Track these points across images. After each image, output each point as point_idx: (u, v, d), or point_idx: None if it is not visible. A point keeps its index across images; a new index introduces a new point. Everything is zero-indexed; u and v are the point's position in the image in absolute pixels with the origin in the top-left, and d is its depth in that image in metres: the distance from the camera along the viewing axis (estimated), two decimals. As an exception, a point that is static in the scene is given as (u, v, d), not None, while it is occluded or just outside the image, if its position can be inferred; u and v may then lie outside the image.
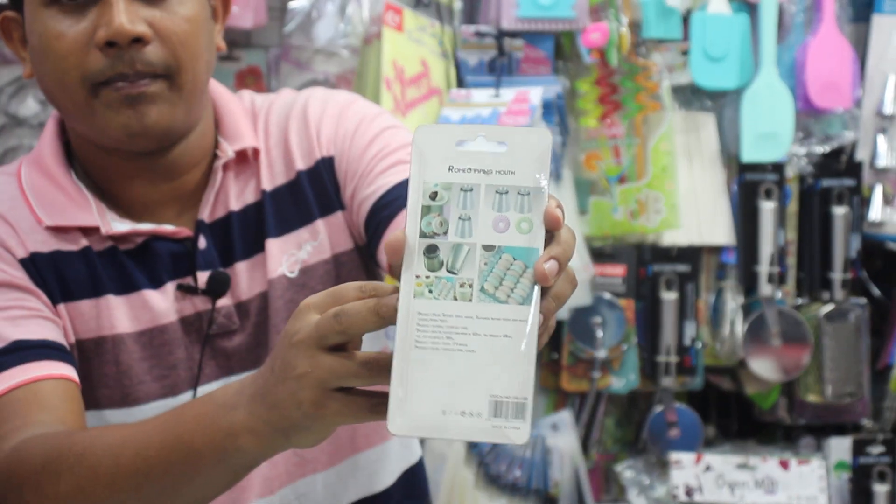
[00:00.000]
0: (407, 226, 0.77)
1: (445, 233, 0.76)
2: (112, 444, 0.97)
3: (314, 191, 1.18)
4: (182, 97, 1.11)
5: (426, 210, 0.76)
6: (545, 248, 0.76)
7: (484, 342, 0.76)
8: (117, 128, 1.09)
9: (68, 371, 1.09)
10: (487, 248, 0.76)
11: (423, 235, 0.76)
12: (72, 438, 1.01)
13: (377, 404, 0.79)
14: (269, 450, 0.87)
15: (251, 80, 1.88)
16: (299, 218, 1.17)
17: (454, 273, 0.76)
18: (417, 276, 0.76)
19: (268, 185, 1.18)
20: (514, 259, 0.76)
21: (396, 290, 0.77)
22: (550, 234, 0.77)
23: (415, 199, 0.76)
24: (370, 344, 0.89)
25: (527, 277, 0.75)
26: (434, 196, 0.76)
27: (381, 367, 0.78)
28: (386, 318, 0.77)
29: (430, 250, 0.77)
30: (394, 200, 1.12)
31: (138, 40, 1.06)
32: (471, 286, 0.76)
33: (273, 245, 1.17)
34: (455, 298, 0.76)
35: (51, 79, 1.11)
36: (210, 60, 1.15)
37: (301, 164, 1.17)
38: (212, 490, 0.94)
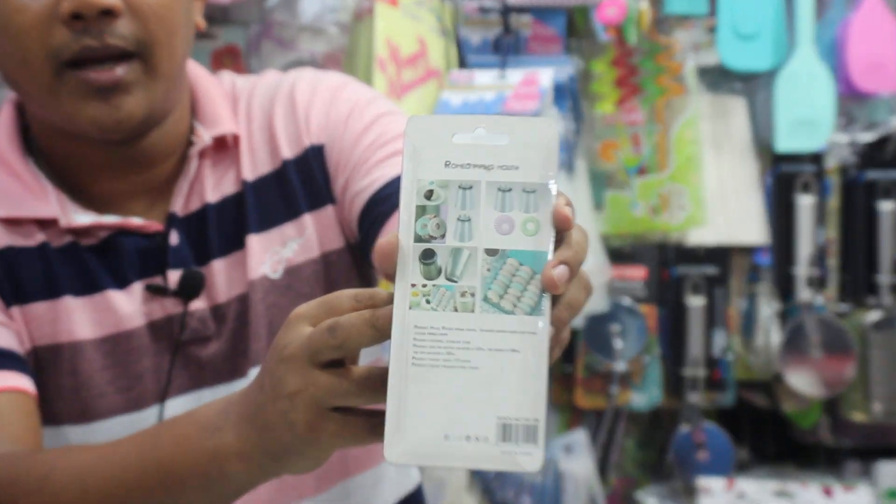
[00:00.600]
0: (400, 228, 0.75)
1: (443, 236, 0.74)
2: (79, 468, 0.95)
3: (301, 182, 1.13)
4: (159, 81, 1.07)
5: (421, 211, 0.74)
6: (554, 251, 0.74)
7: (489, 358, 0.73)
8: (86, 120, 1.05)
9: (24, 382, 1.05)
10: (490, 252, 0.73)
11: (418, 239, 0.74)
12: (32, 460, 0.98)
13: (377, 425, 0.76)
14: (259, 476, 0.85)
15: (229, 59, 1.84)
16: (284, 212, 1.12)
17: (454, 281, 0.73)
18: (413, 285, 0.74)
19: (249, 175, 1.13)
20: (521, 264, 0.73)
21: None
22: (560, 236, 0.74)
23: (408, 199, 0.74)
24: (367, 353, 0.87)
25: (535, 284, 0.73)
26: (429, 195, 0.74)
27: (382, 384, 0.76)
28: (383, 332, 0.75)
29: (427, 256, 0.74)
30: (392, 195, 1.07)
31: (108, 12, 1.02)
32: (473, 295, 0.73)
33: (254, 242, 1.11)
34: (455, 309, 0.73)
35: (10, 57, 1.06)
36: (188, 38, 1.11)
37: (287, 153, 1.12)
38: None
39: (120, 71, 1.03)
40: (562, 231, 0.75)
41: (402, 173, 0.75)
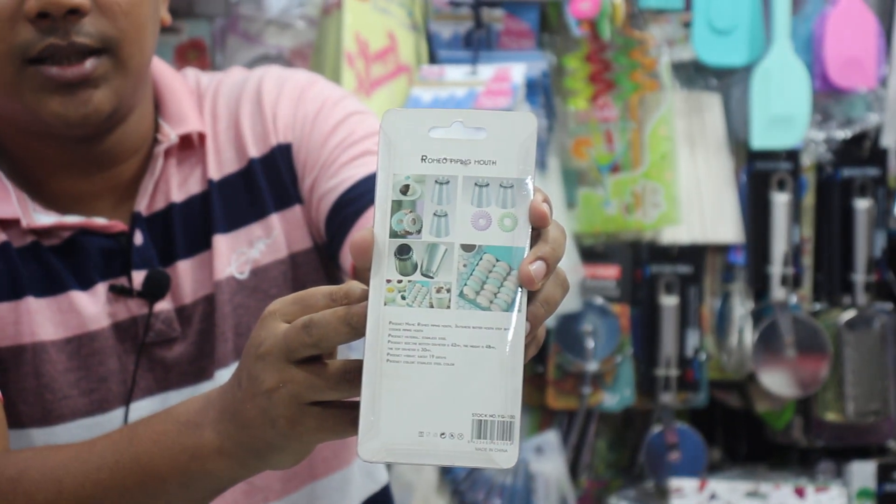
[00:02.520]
0: (375, 223, 0.76)
1: (419, 231, 0.76)
2: (53, 467, 0.95)
3: (268, 181, 1.14)
4: (127, 76, 1.07)
5: (396, 206, 0.76)
6: (531, 247, 0.76)
7: (464, 354, 0.75)
8: (50, 114, 1.05)
9: None
10: (466, 247, 0.75)
11: (393, 234, 0.76)
12: (3, 460, 0.98)
13: (358, 417, 0.78)
14: (242, 472, 0.88)
15: (193, 54, 1.86)
16: (251, 212, 1.14)
17: (430, 277, 0.75)
18: (388, 281, 0.75)
19: (215, 175, 1.15)
20: (497, 260, 0.75)
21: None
22: (537, 232, 0.76)
23: (383, 194, 0.76)
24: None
25: (511, 280, 0.75)
26: (405, 190, 0.76)
27: (358, 377, 0.78)
28: (358, 329, 0.77)
29: (402, 251, 0.76)
30: (361, 195, 1.10)
31: (74, 11, 1.02)
32: (448, 291, 0.75)
33: (221, 242, 1.12)
34: (431, 305, 0.75)
35: None
36: (155, 33, 1.12)
37: (254, 151, 1.13)
38: None
39: (88, 65, 1.04)
40: (539, 227, 0.76)
41: (378, 167, 0.76)
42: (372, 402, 0.74)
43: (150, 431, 0.90)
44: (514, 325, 0.74)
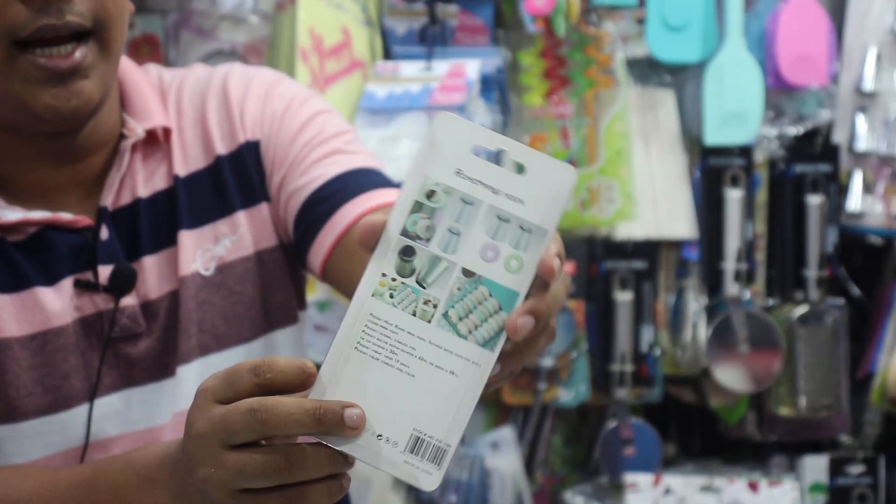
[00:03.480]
0: (392, 215, 0.77)
1: (429, 240, 0.77)
2: (15, 495, 0.99)
3: (235, 178, 1.15)
4: (111, 62, 1.09)
5: (417, 207, 0.77)
6: (529, 296, 0.77)
7: (427, 371, 0.76)
8: (41, 106, 1.05)
9: None
10: (467, 273, 0.77)
11: (404, 233, 0.77)
12: None
13: (293, 498, 0.81)
14: None
15: (147, 49, 1.86)
16: (217, 208, 1.15)
17: (423, 286, 0.77)
18: (384, 275, 0.77)
19: (181, 171, 1.16)
20: (490, 295, 0.76)
21: (309, 380, 0.77)
22: (541, 282, 0.77)
23: (409, 191, 0.77)
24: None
25: (496, 320, 0.76)
26: (430, 195, 0.77)
27: (288, 461, 0.79)
28: (329, 427, 0.77)
29: (406, 252, 0.77)
30: (333, 194, 1.12)
31: None
32: (435, 307, 0.77)
33: (186, 238, 1.13)
34: (414, 314, 0.77)
35: None
36: (127, 20, 1.13)
37: (221, 148, 1.15)
38: None
39: (79, 55, 1.04)
40: (544, 279, 0.77)
41: (414, 163, 0.77)
42: (328, 380, 0.76)
43: (111, 483, 0.92)
44: (484, 362, 0.75)
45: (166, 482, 0.87)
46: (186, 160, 1.17)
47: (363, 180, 1.16)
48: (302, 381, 0.80)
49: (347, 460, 0.82)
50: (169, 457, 0.88)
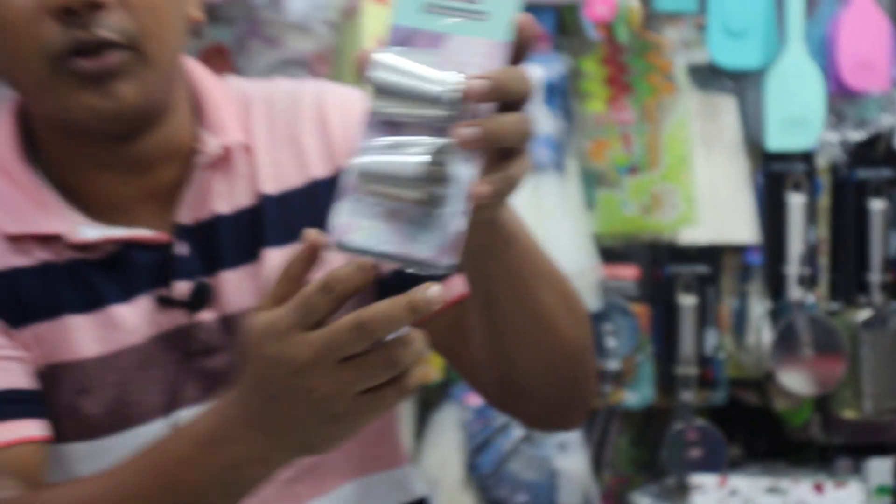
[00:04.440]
0: None
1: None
2: (88, 500, 0.98)
3: (331, 201, 1.06)
4: (152, 69, 1.07)
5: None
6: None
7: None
8: (83, 110, 1.05)
9: (34, 429, 1.08)
10: None
11: None
12: (39, 497, 1.01)
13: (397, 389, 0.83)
14: (277, 468, 0.91)
15: (217, 58, 1.84)
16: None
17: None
18: None
19: (271, 188, 1.15)
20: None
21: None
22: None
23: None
24: None
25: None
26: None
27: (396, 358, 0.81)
28: (423, 311, 0.80)
29: None
30: None
31: (97, 5, 1.03)
32: None
33: (273, 255, 1.13)
34: None
35: (4, 54, 1.08)
36: (181, 30, 1.12)
37: (319, 171, 1.14)
38: None
39: (112, 58, 1.04)
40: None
41: None
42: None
43: (175, 457, 0.92)
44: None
45: (239, 435, 0.88)
46: (277, 178, 1.16)
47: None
48: (367, 279, 0.82)
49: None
50: (230, 410, 0.89)
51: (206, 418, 0.90)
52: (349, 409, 0.82)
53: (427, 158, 0.79)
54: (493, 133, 0.79)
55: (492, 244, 0.96)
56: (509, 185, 0.84)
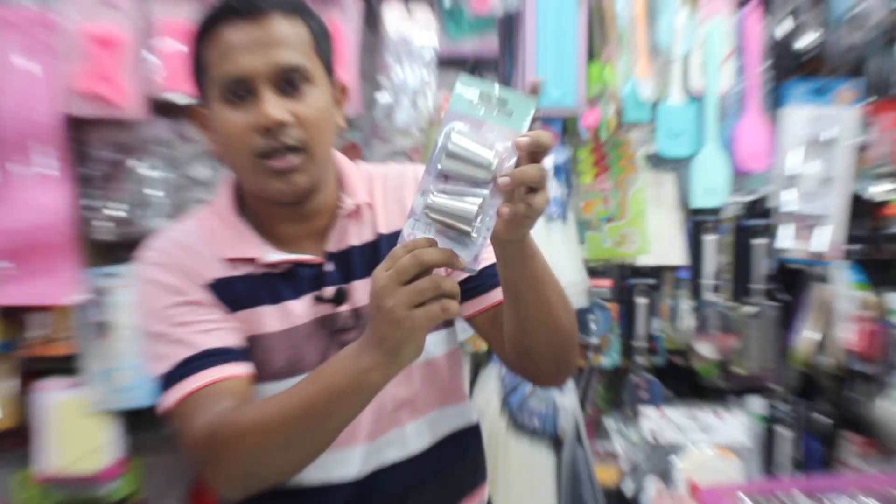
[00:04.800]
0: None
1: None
2: (276, 403, 1.08)
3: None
4: (316, 163, 1.21)
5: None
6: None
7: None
8: (274, 192, 1.21)
9: (244, 369, 1.20)
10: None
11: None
12: (246, 410, 1.13)
13: (442, 308, 0.95)
14: (388, 375, 1.02)
15: (352, 151, 2.08)
16: None
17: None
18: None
19: (384, 229, 1.30)
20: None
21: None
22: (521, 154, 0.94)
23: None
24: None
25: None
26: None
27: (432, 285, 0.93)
28: (453, 263, 0.93)
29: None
30: (489, 276, 1.28)
31: (282, 124, 1.18)
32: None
33: None
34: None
35: (230, 151, 1.21)
36: (333, 135, 1.25)
37: None
38: (349, 416, 1.06)
39: (292, 160, 1.19)
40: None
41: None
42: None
43: (331, 369, 1.04)
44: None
45: (365, 352, 0.99)
46: (388, 223, 1.29)
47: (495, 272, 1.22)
48: (443, 257, 0.96)
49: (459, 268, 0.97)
50: (359, 343, 1.00)
51: (349, 348, 1.03)
52: (409, 318, 0.94)
53: (476, 208, 0.93)
54: (519, 177, 0.93)
55: (521, 259, 1.07)
56: (535, 211, 0.97)
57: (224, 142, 1.21)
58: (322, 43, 1.24)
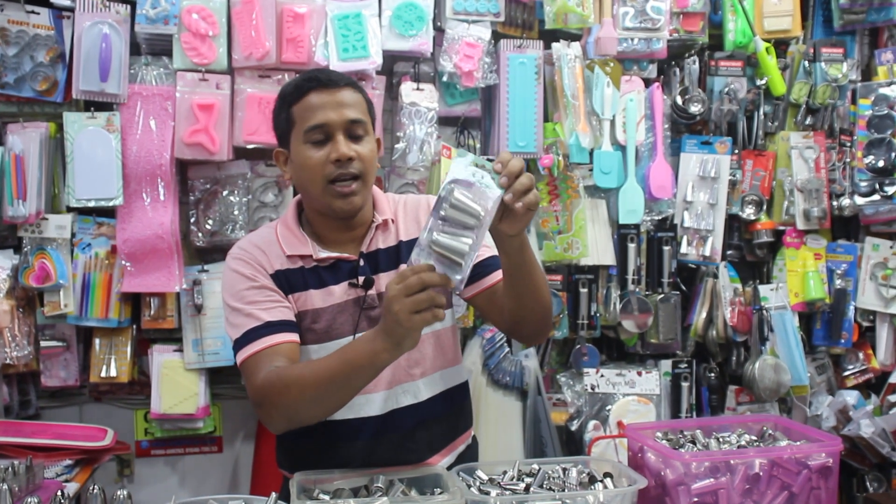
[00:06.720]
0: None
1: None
2: (312, 368, 1.39)
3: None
4: (366, 188, 1.56)
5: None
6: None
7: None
8: (337, 210, 1.55)
9: (294, 337, 1.55)
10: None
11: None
12: (291, 369, 1.45)
13: (433, 315, 1.20)
14: (393, 356, 1.34)
15: (377, 183, 2.16)
16: None
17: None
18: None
19: (404, 238, 1.67)
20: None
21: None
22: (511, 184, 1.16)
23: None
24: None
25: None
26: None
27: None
28: (444, 283, 1.17)
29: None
30: (490, 264, 1.60)
31: (350, 159, 1.52)
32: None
33: (402, 266, 1.54)
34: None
35: (306, 180, 1.55)
36: (375, 170, 1.59)
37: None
38: (362, 383, 1.39)
39: (354, 186, 1.54)
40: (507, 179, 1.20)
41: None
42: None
43: (352, 350, 1.38)
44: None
45: (378, 338, 1.26)
46: (407, 234, 1.67)
47: (496, 262, 1.57)
48: (442, 281, 1.23)
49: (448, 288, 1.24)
50: (375, 330, 1.28)
51: (366, 334, 1.36)
52: (409, 320, 1.24)
53: (468, 248, 1.21)
54: (518, 187, 1.22)
55: (519, 249, 1.39)
56: (532, 203, 1.26)
57: (304, 172, 1.60)
58: (370, 108, 1.66)
